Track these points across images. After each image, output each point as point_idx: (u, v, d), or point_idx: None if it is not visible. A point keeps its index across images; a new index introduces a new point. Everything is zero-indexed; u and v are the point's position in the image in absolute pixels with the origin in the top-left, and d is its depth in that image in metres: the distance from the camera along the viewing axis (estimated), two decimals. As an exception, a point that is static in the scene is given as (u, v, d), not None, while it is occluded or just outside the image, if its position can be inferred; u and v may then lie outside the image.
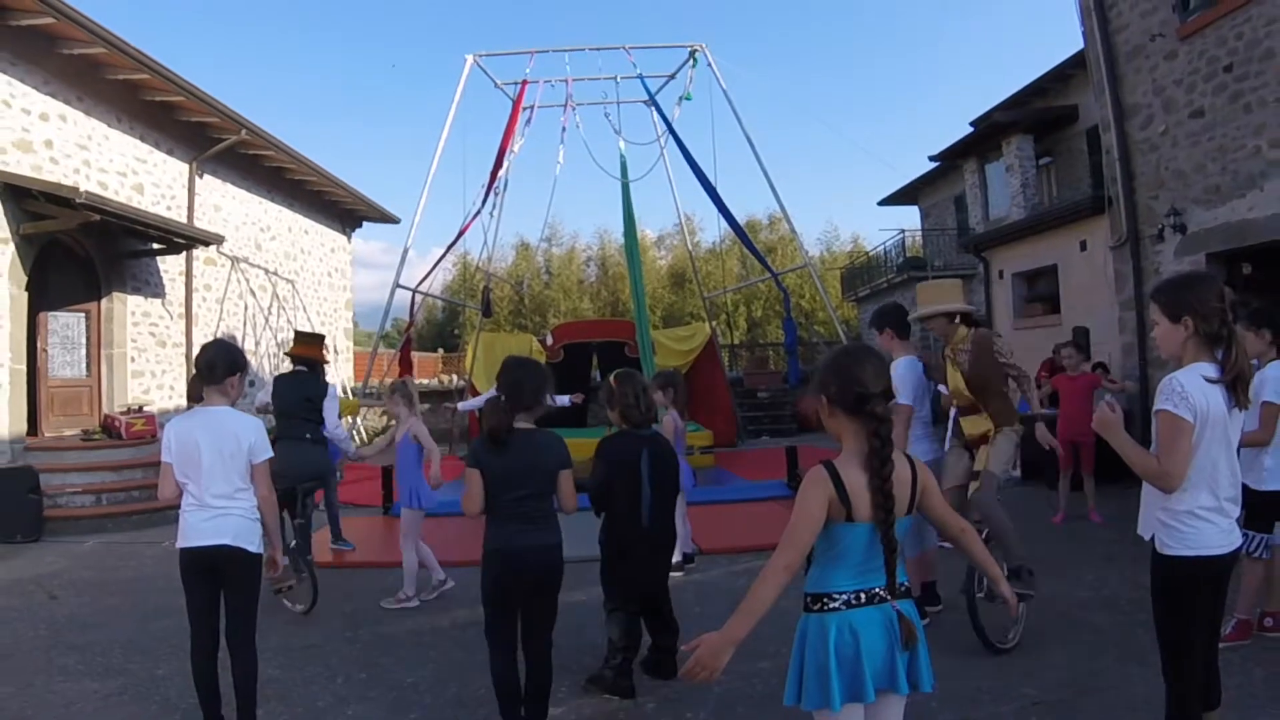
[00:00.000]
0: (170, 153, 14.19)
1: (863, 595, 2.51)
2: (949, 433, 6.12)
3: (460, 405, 11.55)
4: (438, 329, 40.16)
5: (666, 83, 17.18)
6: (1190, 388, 3.00)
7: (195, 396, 4.18)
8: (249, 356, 13.24)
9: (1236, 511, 3.14)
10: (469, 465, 3.99)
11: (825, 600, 2.52)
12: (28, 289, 10.95)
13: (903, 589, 2.59)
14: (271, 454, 4.24)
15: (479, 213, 16.23)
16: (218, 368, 4.15)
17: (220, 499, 4.02)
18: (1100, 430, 3.17)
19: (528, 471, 3.94)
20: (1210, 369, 3.04)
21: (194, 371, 4.26)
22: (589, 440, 6.52)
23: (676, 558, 6.53)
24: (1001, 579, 2.80)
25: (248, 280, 16.77)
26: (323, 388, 7.46)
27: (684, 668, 2.44)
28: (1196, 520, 3.05)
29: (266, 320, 17.47)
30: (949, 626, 5.54)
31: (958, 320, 5.75)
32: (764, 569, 2.48)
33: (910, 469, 2.60)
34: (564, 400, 10.82)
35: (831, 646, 2.46)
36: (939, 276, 23.62)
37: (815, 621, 2.53)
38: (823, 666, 2.46)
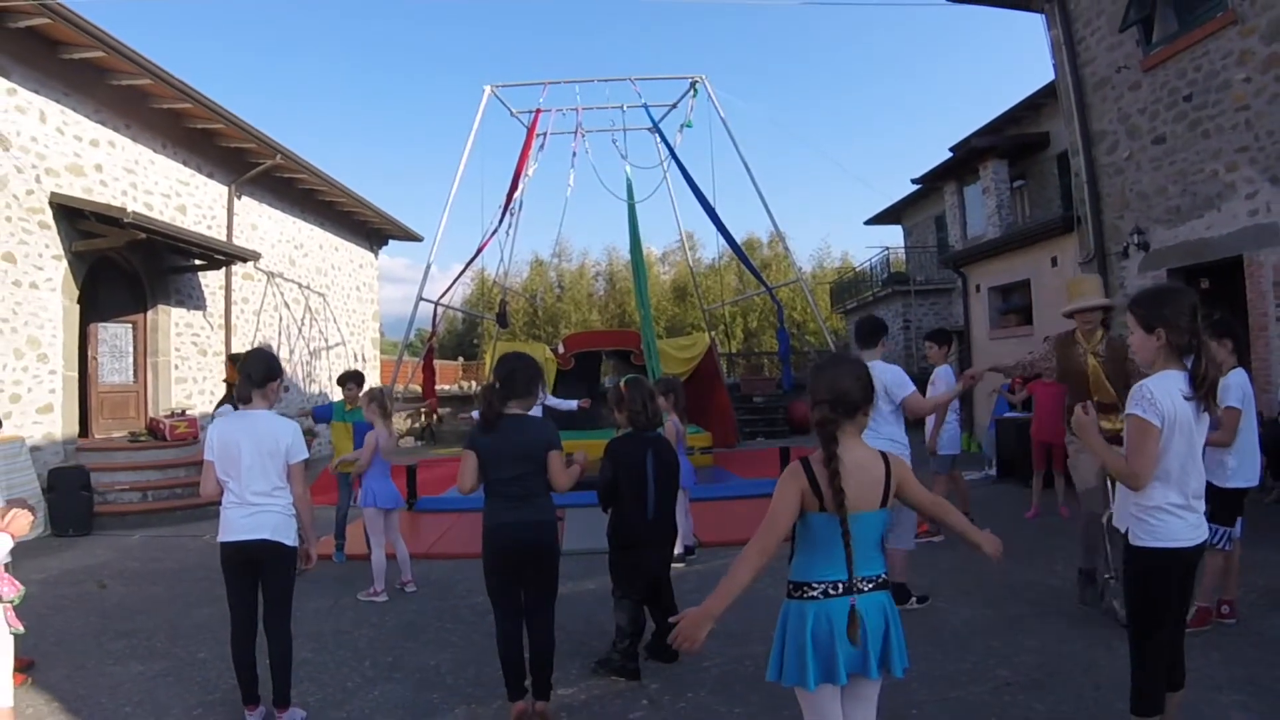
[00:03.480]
0: (211, 176, 14.26)
1: (840, 585, 2.52)
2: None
3: (475, 414, 11.53)
4: (458, 339, 40.10)
5: (669, 111, 17.21)
6: (1159, 394, 3.00)
7: (245, 398, 4.22)
8: (284, 364, 13.20)
9: (1203, 507, 3.15)
10: (464, 447, 4.07)
11: (805, 589, 2.56)
12: (79, 302, 11.02)
13: (879, 580, 2.60)
14: (307, 455, 4.27)
15: (496, 231, 16.29)
16: (260, 373, 4.21)
17: (259, 496, 4.05)
18: (1078, 431, 3.20)
19: (516, 453, 3.95)
20: (1180, 377, 3.05)
21: (239, 377, 4.31)
22: (598, 441, 6.52)
23: (679, 550, 6.56)
24: (973, 531, 2.81)
25: (282, 294, 16.82)
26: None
27: (670, 637, 2.49)
28: (1167, 515, 3.06)
29: (300, 331, 17.51)
30: (929, 614, 5.55)
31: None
32: (742, 552, 2.53)
33: (883, 465, 2.61)
34: (571, 405, 10.81)
35: (809, 632, 2.49)
36: (923, 291, 23.79)
37: (795, 607, 2.57)
38: (800, 649, 2.50)
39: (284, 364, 15.08)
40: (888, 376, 5.58)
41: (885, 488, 2.60)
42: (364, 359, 20.96)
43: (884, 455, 2.65)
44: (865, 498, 2.54)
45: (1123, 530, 3.22)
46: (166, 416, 12.04)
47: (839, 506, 2.46)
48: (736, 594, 2.49)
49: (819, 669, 2.48)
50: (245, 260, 14.00)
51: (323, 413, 8.18)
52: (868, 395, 2.65)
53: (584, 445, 10.93)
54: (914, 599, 5.70)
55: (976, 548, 2.80)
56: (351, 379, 8.04)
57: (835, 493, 2.47)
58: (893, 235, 33.02)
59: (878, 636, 2.54)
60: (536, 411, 5.37)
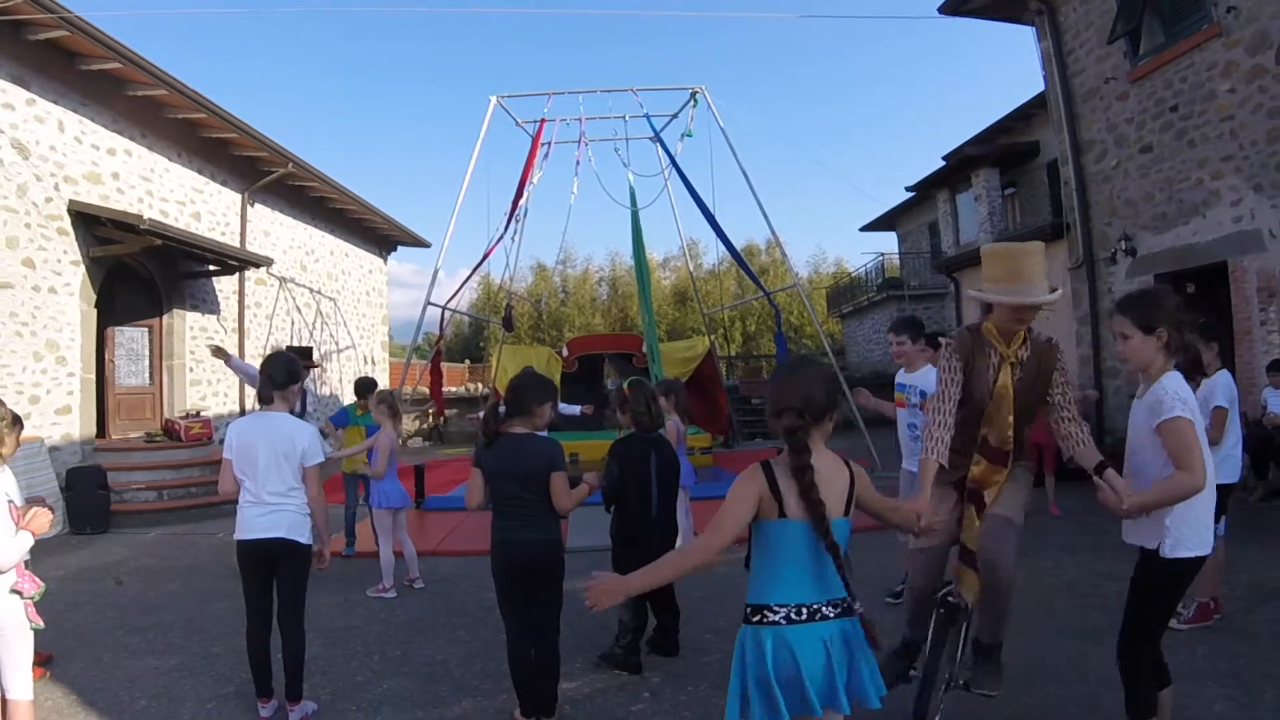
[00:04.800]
0: (224, 184, 14.29)
1: (804, 610, 2.31)
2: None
3: (480, 414, 11.52)
4: (465, 342, 40.09)
5: (670, 121, 17.20)
6: (1185, 391, 2.94)
7: (266, 399, 4.23)
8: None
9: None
10: (473, 465, 4.04)
11: (765, 613, 2.34)
12: (97, 306, 11.05)
13: (843, 604, 2.39)
14: (323, 458, 4.27)
15: (501, 238, 16.29)
16: (281, 375, 4.23)
17: (275, 496, 4.06)
18: (1136, 507, 2.94)
19: (516, 471, 3.90)
20: (1179, 376, 3.00)
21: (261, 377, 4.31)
22: (603, 442, 6.54)
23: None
24: (898, 510, 2.78)
25: (294, 298, 16.85)
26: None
27: (586, 585, 2.35)
28: (1205, 515, 2.99)
29: (311, 335, 17.53)
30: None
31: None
32: (686, 547, 2.39)
33: (847, 473, 2.46)
34: (575, 410, 10.80)
35: (770, 664, 2.26)
36: (916, 295, 23.75)
37: (752, 635, 2.35)
38: (765, 684, 2.27)
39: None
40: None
41: (849, 496, 2.45)
42: (373, 362, 20.99)
43: (846, 462, 2.49)
44: (831, 506, 2.37)
45: (1141, 544, 3.08)
46: (181, 418, 12.06)
47: (819, 519, 2.29)
48: (661, 582, 2.45)
49: (791, 703, 2.25)
50: (258, 266, 14.03)
51: (339, 419, 8.24)
52: (833, 400, 2.48)
53: (587, 446, 11.01)
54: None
55: (902, 524, 2.78)
56: (366, 388, 8.06)
57: (813, 504, 2.29)
58: (887, 241, 33.02)
59: (843, 666, 2.31)
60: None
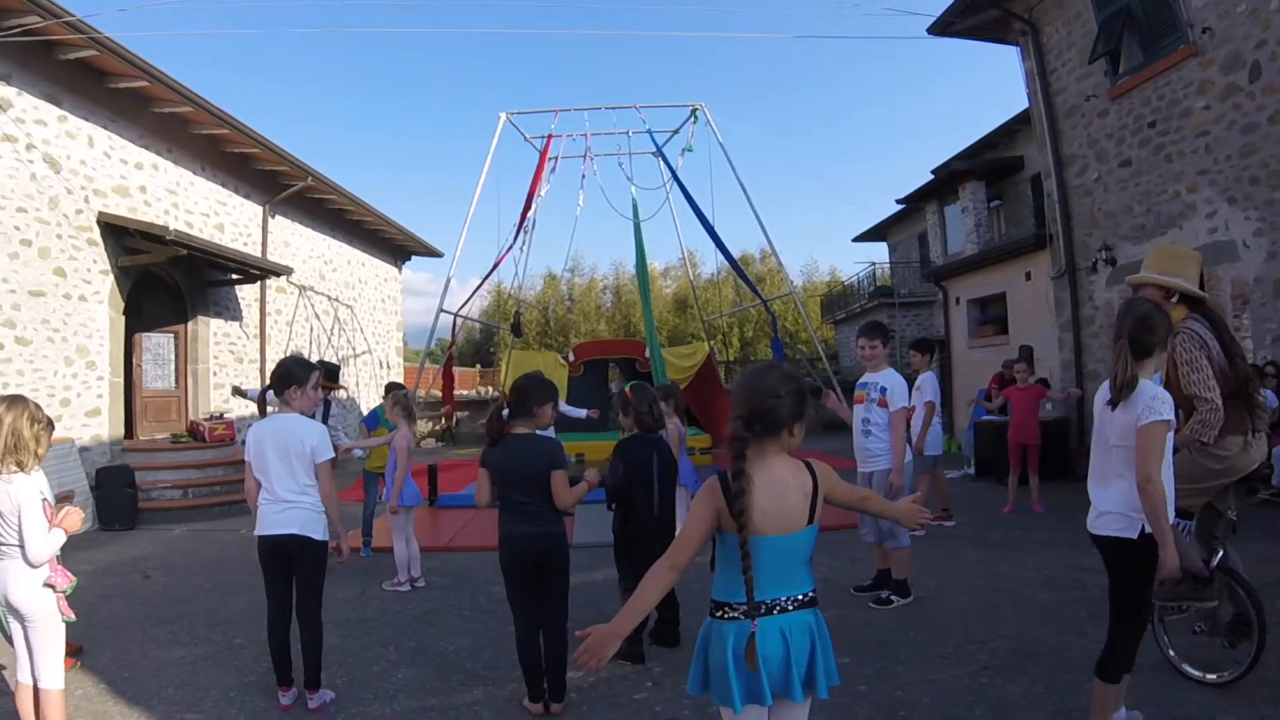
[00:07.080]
0: (247, 196, 14.32)
1: (762, 606, 2.24)
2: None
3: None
4: (475, 347, 40.01)
5: (671, 137, 17.19)
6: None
7: (283, 402, 4.25)
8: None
9: (1102, 502, 3.26)
10: (480, 465, 4.07)
11: (726, 609, 2.28)
12: (125, 313, 11.07)
13: (805, 598, 2.31)
14: (333, 455, 4.28)
15: (511, 248, 16.25)
16: (275, 380, 4.26)
17: (290, 493, 4.07)
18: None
19: (520, 471, 3.92)
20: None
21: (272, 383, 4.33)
22: (606, 443, 6.54)
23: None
24: (894, 507, 2.71)
25: (313, 306, 16.86)
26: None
27: (575, 653, 2.21)
28: None
29: (329, 340, 17.53)
30: (913, 603, 5.56)
31: (1174, 299, 3.90)
32: (651, 569, 2.31)
33: (809, 478, 2.32)
34: (580, 413, 10.78)
35: (729, 652, 2.23)
36: (907, 303, 23.75)
37: (716, 627, 2.31)
38: (723, 670, 2.24)
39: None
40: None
41: (813, 502, 2.31)
42: (388, 366, 20.99)
43: (809, 465, 2.35)
44: (784, 520, 2.26)
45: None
46: (205, 420, 12.08)
47: (740, 529, 2.18)
48: (645, 613, 2.30)
49: (743, 690, 2.22)
50: (278, 275, 14.03)
51: (371, 421, 8.27)
52: (795, 411, 2.31)
53: (591, 446, 11.00)
54: (896, 598, 5.62)
55: (899, 520, 2.73)
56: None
57: (737, 515, 2.18)
58: (878, 251, 33.03)
59: (803, 657, 2.27)
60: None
